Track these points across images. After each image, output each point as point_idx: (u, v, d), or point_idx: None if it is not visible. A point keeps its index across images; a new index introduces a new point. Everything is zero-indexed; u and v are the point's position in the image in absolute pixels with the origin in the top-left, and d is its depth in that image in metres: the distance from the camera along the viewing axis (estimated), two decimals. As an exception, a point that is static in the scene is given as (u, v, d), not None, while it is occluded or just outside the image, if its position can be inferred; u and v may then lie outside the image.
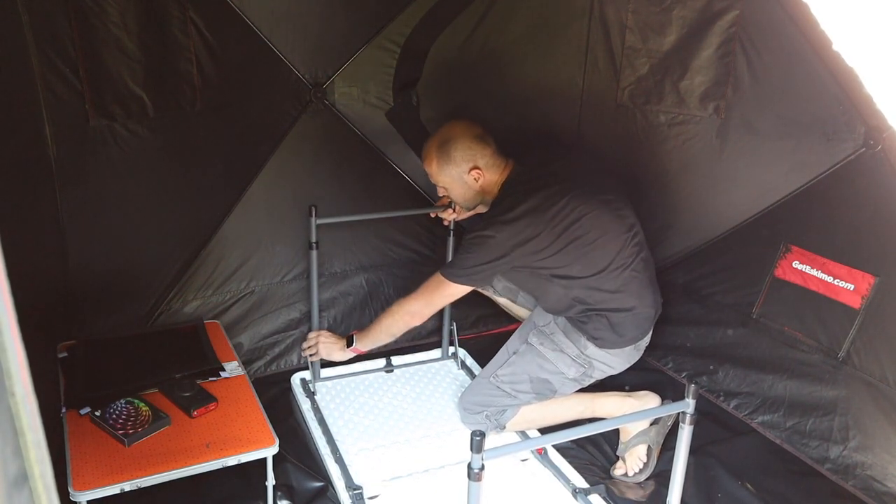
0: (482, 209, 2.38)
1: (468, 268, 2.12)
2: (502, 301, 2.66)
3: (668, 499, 1.60)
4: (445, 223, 2.59)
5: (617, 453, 2.27)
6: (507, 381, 2.26)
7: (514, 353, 2.30)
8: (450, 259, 2.43)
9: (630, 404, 2.27)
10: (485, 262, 2.09)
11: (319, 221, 2.39)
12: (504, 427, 2.29)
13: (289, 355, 2.77)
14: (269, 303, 2.74)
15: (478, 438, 1.25)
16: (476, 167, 2.20)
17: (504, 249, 2.06)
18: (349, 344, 2.40)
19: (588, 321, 2.17)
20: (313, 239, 2.44)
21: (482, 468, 1.28)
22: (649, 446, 2.19)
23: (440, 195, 2.43)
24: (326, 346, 2.48)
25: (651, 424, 2.21)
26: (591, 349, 2.18)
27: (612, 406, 2.29)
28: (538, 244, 2.05)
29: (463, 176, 2.22)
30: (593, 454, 2.32)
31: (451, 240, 2.65)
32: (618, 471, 2.21)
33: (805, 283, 2.21)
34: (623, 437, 2.26)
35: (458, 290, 2.19)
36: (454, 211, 2.51)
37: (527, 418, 2.30)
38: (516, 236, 2.05)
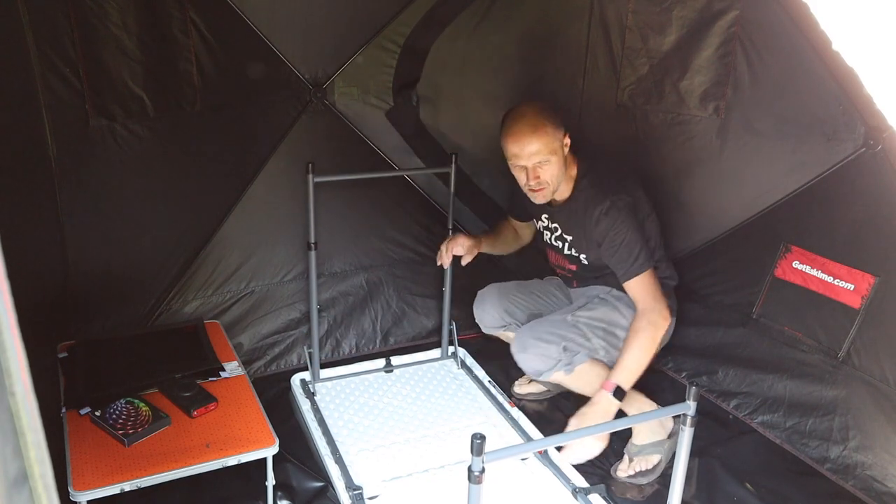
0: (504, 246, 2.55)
1: (640, 242, 2.13)
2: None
3: (668, 499, 1.60)
4: (441, 263, 2.54)
5: (625, 451, 2.24)
6: (585, 323, 2.26)
7: (594, 298, 2.34)
8: (627, 260, 2.15)
9: (649, 405, 2.26)
10: (637, 227, 2.16)
11: (318, 179, 2.35)
12: (572, 369, 2.20)
13: (289, 355, 2.77)
14: (269, 303, 2.74)
15: (478, 441, 1.25)
16: (567, 133, 2.17)
17: (633, 209, 2.17)
18: (618, 396, 2.03)
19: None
20: (311, 198, 2.36)
21: (482, 471, 1.28)
22: (661, 459, 2.19)
23: (531, 183, 2.16)
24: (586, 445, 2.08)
25: (668, 437, 2.20)
26: None
27: (639, 404, 2.25)
28: (639, 209, 2.22)
29: (563, 140, 2.15)
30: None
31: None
32: (621, 471, 2.19)
33: (805, 283, 2.20)
34: (636, 439, 2.22)
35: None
36: (464, 252, 2.45)
37: (583, 378, 2.22)
38: (629, 198, 2.18)
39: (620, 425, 1.81)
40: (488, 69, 2.85)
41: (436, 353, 2.87)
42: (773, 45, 2.17)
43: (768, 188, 2.30)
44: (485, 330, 2.59)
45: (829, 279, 2.13)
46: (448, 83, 2.82)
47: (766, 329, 2.37)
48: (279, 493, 2.05)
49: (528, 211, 2.47)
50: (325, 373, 2.67)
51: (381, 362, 2.77)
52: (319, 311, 2.66)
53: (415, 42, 2.69)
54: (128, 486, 1.72)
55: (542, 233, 2.46)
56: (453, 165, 2.55)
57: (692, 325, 2.65)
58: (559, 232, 2.36)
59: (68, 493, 1.66)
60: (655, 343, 2.10)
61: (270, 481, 1.97)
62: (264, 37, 2.40)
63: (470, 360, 2.82)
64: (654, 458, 2.19)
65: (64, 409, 1.95)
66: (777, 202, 2.28)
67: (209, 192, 2.53)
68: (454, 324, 2.78)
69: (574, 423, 2.00)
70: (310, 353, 2.61)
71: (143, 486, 1.74)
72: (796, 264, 2.23)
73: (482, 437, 1.25)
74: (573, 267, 2.41)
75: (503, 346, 2.92)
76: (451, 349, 2.84)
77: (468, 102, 2.87)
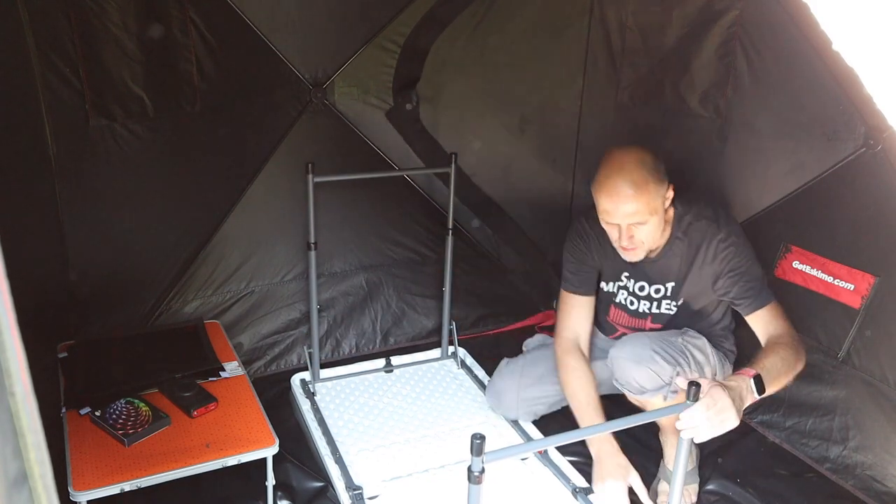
0: None
1: (761, 269, 2.00)
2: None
3: (669, 499, 1.60)
4: None
5: (660, 477, 2.16)
6: (692, 347, 2.03)
7: (690, 332, 2.10)
8: (755, 286, 1.95)
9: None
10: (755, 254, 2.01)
11: (318, 179, 2.35)
12: (673, 398, 1.95)
13: (289, 355, 2.77)
14: (269, 303, 2.74)
15: (478, 441, 1.25)
16: (671, 185, 1.94)
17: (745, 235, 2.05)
18: (759, 389, 1.67)
19: (727, 338, 2.20)
20: (310, 198, 2.35)
21: (482, 471, 1.28)
22: (696, 487, 2.16)
23: (624, 242, 1.93)
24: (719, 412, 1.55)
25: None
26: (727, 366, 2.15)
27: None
28: None
29: (665, 194, 1.92)
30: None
31: (450, 239, 2.65)
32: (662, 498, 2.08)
33: (805, 283, 2.20)
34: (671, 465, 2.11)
35: None
36: None
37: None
38: (738, 225, 2.08)
39: (618, 426, 1.73)
40: (488, 69, 2.84)
41: (436, 353, 2.87)
42: (773, 45, 2.17)
43: (768, 188, 2.30)
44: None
45: (829, 279, 2.13)
46: (448, 83, 2.82)
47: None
48: (279, 493, 2.05)
49: (602, 276, 2.20)
50: (325, 373, 2.67)
51: (381, 362, 2.77)
52: (319, 311, 2.66)
53: (415, 42, 2.69)
54: (128, 486, 1.72)
55: (610, 293, 2.21)
56: (453, 165, 2.55)
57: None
58: (645, 289, 2.11)
59: (68, 493, 1.66)
60: (792, 373, 1.77)
61: (270, 481, 1.97)
62: (264, 37, 2.40)
63: (470, 360, 2.82)
64: (693, 489, 2.14)
65: (64, 409, 1.95)
66: (777, 202, 2.28)
67: (209, 192, 2.53)
68: (454, 324, 2.78)
69: (712, 387, 1.55)
70: (310, 353, 2.61)
71: (143, 486, 1.74)
72: (796, 264, 2.23)
73: (482, 438, 1.25)
74: (648, 325, 2.16)
75: (503, 347, 2.93)
76: (451, 349, 2.84)
77: (468, 102, 2.87)
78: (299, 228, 2.58)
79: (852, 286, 2.07)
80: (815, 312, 2.20)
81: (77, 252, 2.29)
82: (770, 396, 2.32)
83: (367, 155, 2.76)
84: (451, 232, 2.64)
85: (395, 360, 2.79)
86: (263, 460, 1.91)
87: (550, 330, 2.87)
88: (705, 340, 2.09)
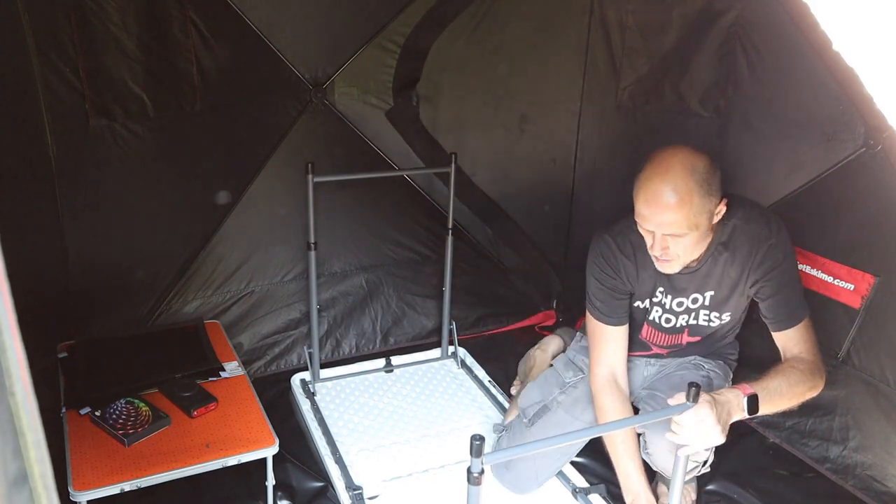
0: None
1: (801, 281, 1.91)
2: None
3: (668, 499, 1.60)
4: None
5: (658, 478, 2.14)
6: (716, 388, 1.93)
7: (712, 370, 2.05)
8: (794, 299, 1.84)
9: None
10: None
11: (317, 179, 2.35)
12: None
13: (289, 355, 2.77)
14: (269, 303, 2.74)
15: (477, 443, 1.25)
16: (724, 198, 1.74)
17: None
18: (752, 409, 1.61)
19: (734, 346, 2.14)
20: (310, 198, 2.35)
21: (482, 472, 1.28)
22: (695, 490, 2.16)
23: (656, 252, 1.74)
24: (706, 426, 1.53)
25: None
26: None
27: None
28: None
29: (713, 213, 1.72)
30: (593, 454, 2.32)
31: (450, 239, 2.65)
32: None
33: (805, 283, 2.20)
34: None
35: None
36: None
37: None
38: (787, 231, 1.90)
39: (618, 427, 1.74)
40: (488, 69, 2.84)
41: (436, 352, 2.87)
42: (773, 45, 2.17)
43: (768, 188, 2.30)
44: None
45: (829, 279, 2.13)
46: (448, 83, 2.82)
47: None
48: (279, 493, 2.05)
49: (633, 295, 1.98)
50: (325, 373, 2.67)
51: (381, 362, 2.77)
52: (319, 311, 2.66)
53: (415, 42, 2.69)
54: (128, 486, 1.72)
55: (643, 310, 2.00)
56: (453, 165, 2.55)
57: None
58: (683, 303, 1.92)
59: (68, 493, 1.66)
60: (800, 396, 1.69)
61: (270, 481, 1.97)
62: (264, 37, 2.40)
63: (470, 360, 2.82)
64: (691, 488, 2.13)
65: (64, 409, 1.95)
66: (777, 202, 2.28)
67: (209, 192, 2.53)
68: (454, 324, 2.78)
69: (704, 398, 1.52)
70: (310, 353, 2.61)
71: (143, 486, 1.74)
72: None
73: (481, 439, 1.25)
74: (685, 340, 2.01)
75: (503, 346, 2.94)
76: (451, 349, 2.84)
77: (468, 102, 2.87)
78: (299, 228, 2.58)
79: (852, 286, 2.07)
80: (815, 312, 2.18)
81: (77, 252, 2.29)
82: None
83: (367, 155, 2.76)
84: (451, 232, 2.64)
85: (395, 360, 2.79)
86: (263, 460, 1.91)
87: (551, 330, 2.88)
88: (722, 366, 2.06)
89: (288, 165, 2.57)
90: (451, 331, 2.79)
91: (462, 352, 2.84)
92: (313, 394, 2.55)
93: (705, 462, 1.93)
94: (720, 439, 1.53)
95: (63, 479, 1.69)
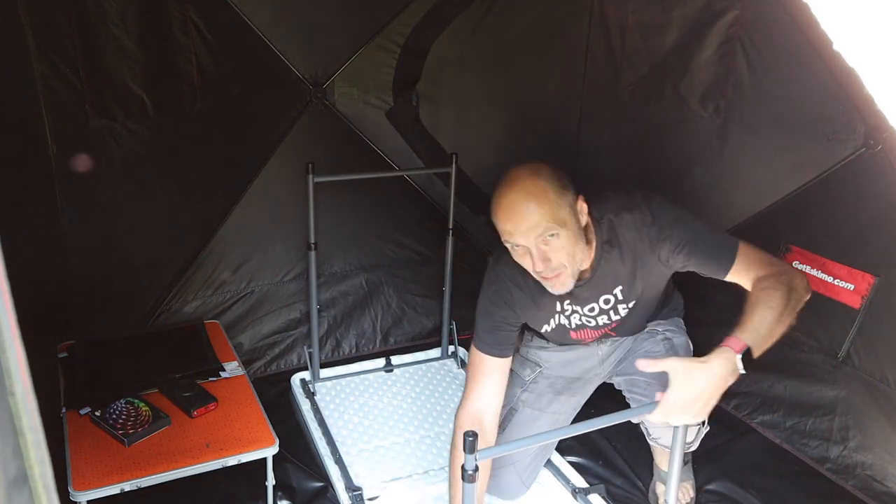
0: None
1: (703, 221, 1.81)
2: None
3: (665, 498, 1.60)
4: None
5: (656, 479, 2.16)
6: (682, 351, 2.05)
7: (670, 334, 2.03)
8: (715, 246, 1.74)
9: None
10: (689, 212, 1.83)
11: (318, 179, 2.35)
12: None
13: (289, 355, 2.77)
14: (269, 303, 2.74)
15: (470, 439, 1.25)
16: (580, 196, 1.71)
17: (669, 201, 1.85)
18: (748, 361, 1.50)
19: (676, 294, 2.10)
20: (311, 198, 2.34)
21: (476, 469, 1.28)
22: (692, 482, 2.15)
23: (539, 269, 1.65)
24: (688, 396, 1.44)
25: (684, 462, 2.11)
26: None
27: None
28: None
29: (576, 209, 1.68)
30: (593, 454, 2.32)
31: (450, 239, 2.65)
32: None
33: (805, 283, 2.20)
34: (665, 465, 2.09)
35: None
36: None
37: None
38: (658, 194, 1.85)
39: (602, 424, 1.58)
40: (488, 69, 2.85)
41: (436, 352, 2.86)
42: (773, 45, 2.16)
43: (768, 188, 2.30)
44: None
45: (829, 279, 2.13)
46: (448, 83, 2.82)
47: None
48: (279, 493, 2.06)
49: (534, 324, 1.94)
50: (325, 372, 2.67)
51: (381, 362, 2.77)
52: (319, 311, 2.66)
53: (415, 42, 2.69)
54: (128, 486, 1.72)
55: (562, 326, 1.93)
56: (453, 165, 2.55)
57: (691, 326, 2.64)
58: (595, 308, 1.87)
59: (68, 493, 1.66)
60: (789, 308, 1.56)
61: (270, 481, 1.97)
62: (264, 37, 2.40)
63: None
64: (687, 486, 2.13)
65: (64, 409, 1.95)
66: (777, 202, 2.28)
67: (209, 192, 2.53)
68: (454, 323, 2.78)
69: (681, 366, 1.45)
70: (310, 353, 2.61)
71: (143, 486, 1.74)
72: (796, 264, 2.22)
73: (474, 435, 1.25)
74: (616, 325, 1.95)
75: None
76: (451, 349, 2.84)
77: (468, 102, 2.87)
78: (299, 228, 2.58)
79: (852, 286, 2.07)
80: (815, 312, 2.19)
81: (77, 252, 2.29)
82: (770, 397, 2.34)
83: (367, 155, 2.77)
84: (451, 232, 2.64)
85: (395, 359, 2.79)
86: (263, 460, 1.91)
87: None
88: (674, 320, 2.04)
89: (288, 165, 2.57)
90: (451, 330, 2.79)
91: (462, 352, 2.84)
92: (313, 393, 2.55)
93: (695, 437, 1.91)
94: (712, 404, 1.43)
95: (63, 479, 1.69)
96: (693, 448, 1.92)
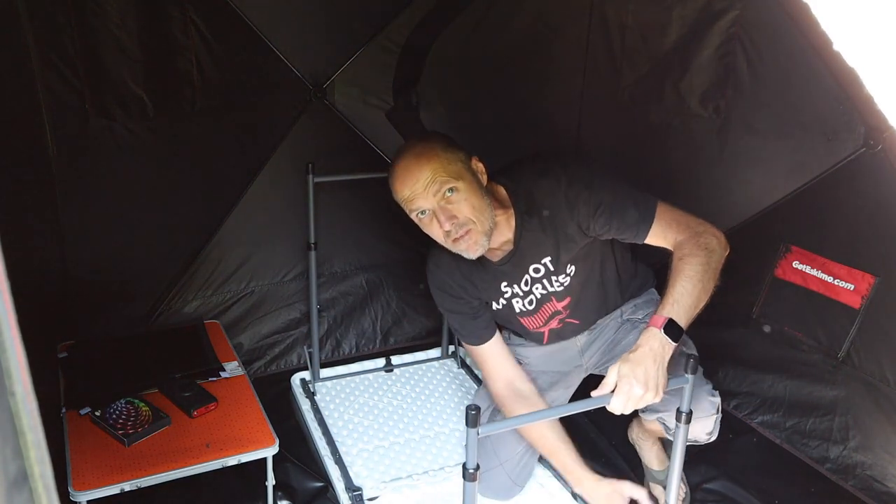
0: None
1: (620, 179, 1.79)
2: None
3: (665, 498, 1.60)
4: None
5: (649, 482, 2.16)
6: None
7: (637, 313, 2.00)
8: (631, 207, 1.71)
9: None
10: (604, 171, 1.82)
11: (318, 179, 2.35)
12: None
13: (289, 355, 2.77)
14: (269, 303, 2.74)
15: (473, 412, 1.22)
16: (473, 156, 1.72)
17: (582, 161, 1.87)
18: (671, 333, 1.51)
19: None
20: (310, 198, 2.34)
21: (477, 468, 1.28)
22: (684, 479, 2.14)
23: (448, 228, 1.63)
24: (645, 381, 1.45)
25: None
26: None
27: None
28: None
29: (472, 166, 1.69)
30: (593, 454, 2.32)
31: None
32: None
33: (805, 283, 2.20)
34: (657, 465, 2.14)
35: None
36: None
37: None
38: (569, 156, 1.90)
39: (595, 404, 1.51)
40: (488, 69, 2.84)
41: (436, 352, 2.86)
42: (773, 45, 2.16)
43: (768, 188, 2.30)
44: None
45: (829, 279, 2.13)
46: (448, 83, 2.82)
47: (758, 331, 2.37)
48: (279, 493, 2.06)
49: (490, 299, 1.91)
50: (325, 372, 2.67)
51: (381, 362, 2.77)
52: (319, 311, 2.66)
53: (415, 42, 2.69)
54: (128, 486, 1.72)
55: (509, 309, 1.92)
56: (453, 165, 2.55)
57: (691, 326, 2.64)
58: (529, 281, 1.85)
59: (68, 493, 1.66)
60: (710, 271, 1.57)
61: (270, 481, 1.97)
62: (264, 37, 2.40)
63: (470, 360, 2.82)
64: (682, 484, 2.11)
65: (64, 409, 1.95)
66: (777, 202, 2.28)
67: (209, 192, 2.53)
68: (454, 324, 2.78)
69: (620, 370, 1.46)
70: (310, 353, 2.61)
71: (143, 486, 1.74)
72: (796, 264, 2.23)
73: (477, 409, 1.23)
74: (560, 306, 1.91)
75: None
76: (451, 348, 2.84)
77: (468, 102, 2.87)
78: (299, 228, 2.58)
79: (852, 286, 2.07)
80: (815, 312, 2.20)
81: (77, 252, 2.29)
82: (770, 397, 2.34)
83: (367, 155, 2.77)
84: (451, 232, 2.64)
85: (395, 359, 2.79)
86: (263, 460, 1.91)
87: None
88: (650, 301, 1.98)
89: (288, 165, 2.57)
90: (451, 330, 2.79)
91: (462, 351, 2.84)
92: (313, 393, 2.55)
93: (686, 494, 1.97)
94: (659, 388, 1.44)
95: (63, 479, 1.69)
96: (713, 437, 1.87)
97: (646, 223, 1.69)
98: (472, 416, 1.23)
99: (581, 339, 2.05)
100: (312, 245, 2.45)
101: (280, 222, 2.68)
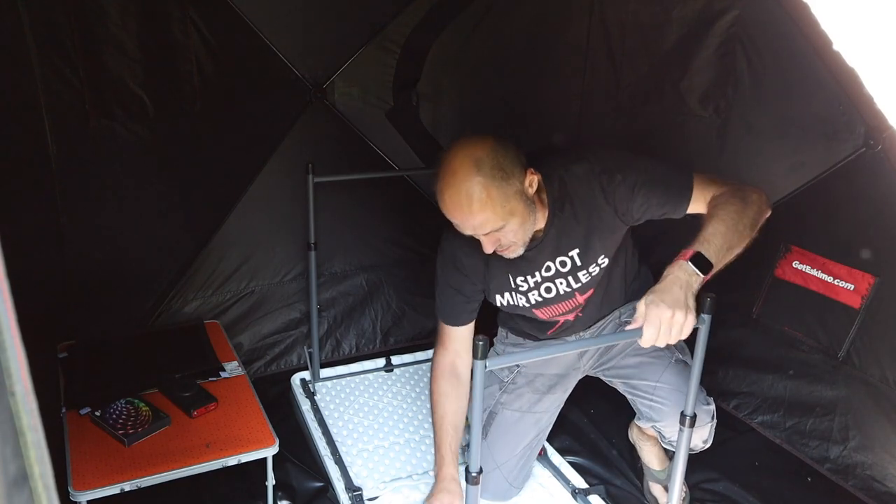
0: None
1: (654, 159, 1.78)
2: None
3: (668, 499, 1.60)
4: None
5: (651, 482, 2.15)
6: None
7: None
8: (668, 184, 1.67)
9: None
10: (634, 154, 1.80)
11: (317, 179, 2.34)
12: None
13: (289, 355, 2.77)
14: (269, 303, 2.74)
15: (481, 343, 1.19)
16: (529, 167, 1.64)
17: (611, 148, 1.82)
18: (699, 265, 1.44)
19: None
20: (310, 198, 2.33)
21: (480, 471, 1.28)
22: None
23: (489, 251, 1.66)
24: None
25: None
26: None
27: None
28: None
29: (525, 189, 1.62)
30: (593, 454, 2.32)
31: (451, 240, 2.65)
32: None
33: (805, 283, 2.20)
34: (658, 465, 2.13)
35: None
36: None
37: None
38: (596, 146, 1.83)
39: (583, 345, 1.59)
40: (488, 69, 2.85)
41: (436, 352, 2.86)
42: (773, 45, 2.17)
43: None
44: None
45: (829, 279, 2.13)
46: (448, 83, 2.82)
47: (766, 329, 2.37)
48: (279, 493, 2.05)
49: (497, 291, 1.89)
50: (325, 372, 2.67)
51: (381, 362, 2.77)
52: (319, 311, 2.66)
53: (415, 42, 2.69)
54: (128, 486, 1.72)
55: (520, 300, 1.88)
56: (453, 165, 2.55)
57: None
58: (551, 268, 1.81)
59: (68, 493, 1.66)
60: (746, 218, 1.52)
61: (270, 481, 1.97)
62: (264, 37, 2.40)
63: (470, 360, 2.82)
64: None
65: (64, 409, 1.95)
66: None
67: (209, 192, 2.53)
68: (454, 324, 2.78)
69: (646, 298, 1.42)
70: (310, 353, 2.61)
71: (143, 486, 1.74)
72: (796, 264, 2.23)
73: (485, 339, 1.21)
74: (582, 300, 1.89)
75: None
76: (451, 349, 2.84)
77: (468, 102, 2.87)
78: (299, 228, 2.58)
79: (852, 286, 2.07)
80: (815, 312, 2.20)
81: (77, 252, 2.29)
82: (770, 397, 2.34)
83: (367, 155, 2.77)
84: (451, 232, 2.64)
85: (395, 359, 2.78)
86: (263, 460, 1.91)
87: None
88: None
89: (288, 165, 2.57)
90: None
91: (462, 352, 2.84)
92: (313, 393, 2.55)
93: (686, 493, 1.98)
94: (690, 320, 1.39)
95: (63, 479, 1.69)
96: (709, 445, 1.90)
97: (686, 190, 1.64)
98: (481, 348, 1.19)
99: (584, 335, 2.03)
100: (312, 245, 2.45)
101: (280, 222, 2.68)
